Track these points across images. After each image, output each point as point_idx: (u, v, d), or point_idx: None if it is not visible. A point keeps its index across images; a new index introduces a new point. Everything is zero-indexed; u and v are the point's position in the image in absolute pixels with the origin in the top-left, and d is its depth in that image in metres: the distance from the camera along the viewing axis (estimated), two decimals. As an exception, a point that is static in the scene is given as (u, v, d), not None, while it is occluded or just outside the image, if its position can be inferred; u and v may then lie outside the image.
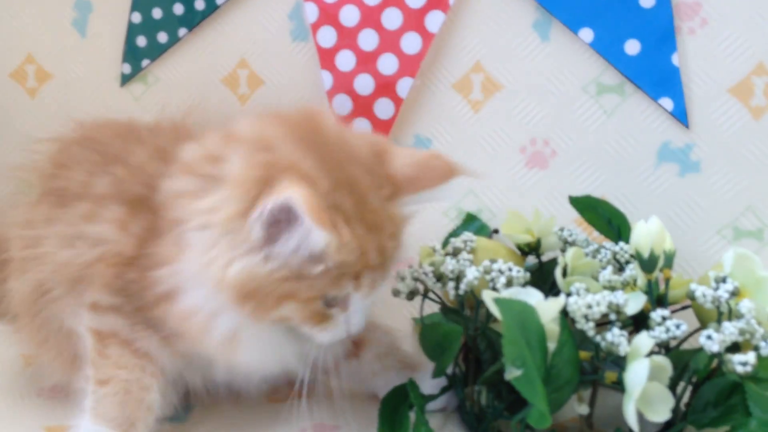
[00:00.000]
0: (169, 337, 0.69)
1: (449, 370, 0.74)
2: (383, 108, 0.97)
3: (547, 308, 0.63)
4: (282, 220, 0.59)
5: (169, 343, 0.70)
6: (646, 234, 0.69)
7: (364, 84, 0.97)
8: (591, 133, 0.91)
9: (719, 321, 0.63)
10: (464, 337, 0.72)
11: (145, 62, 1.08)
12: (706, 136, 0.87)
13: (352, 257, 0.61)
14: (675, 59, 0.87)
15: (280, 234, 0.59)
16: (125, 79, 1.10)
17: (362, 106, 0.98)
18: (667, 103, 0.87)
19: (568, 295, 0.64)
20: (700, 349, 0.62)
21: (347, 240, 0.60)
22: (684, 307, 0.74)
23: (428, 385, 0.75)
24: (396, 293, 0.74)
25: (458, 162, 0.68)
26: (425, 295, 0.77)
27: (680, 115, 0.87)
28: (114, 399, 0.70)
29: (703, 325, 0.69)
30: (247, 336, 0.66)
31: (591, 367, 0.64)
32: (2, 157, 1.16)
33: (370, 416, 0.75)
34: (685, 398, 0.66)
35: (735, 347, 0.62)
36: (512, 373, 0.60)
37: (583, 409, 0.65)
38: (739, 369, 0.59)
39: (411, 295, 0.76)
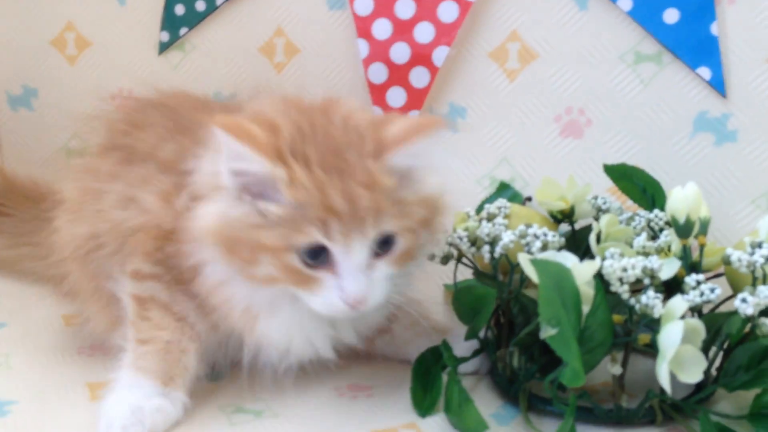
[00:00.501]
0: (204, 308, 0.71)
1: (481, 333, 0.75)
2: (419, 76, 0.98)
3: (582, 271, 0.64)
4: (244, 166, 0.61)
5: (205, 313, 0.72)
6: (682, 199, 0.69)
7: (400, 52, 0.98)
8: (627, 103, 0.91)
9: (754, 285, 0.63)
10: (497, 301, 0.73)
11: (183, 30, 1.09)
12: (743, 105, 0.87)
13: (311, 198, 0.61)
14: (714, 28, 0.86)
15: (245, 178, 0.62)
16: (163, 47, 1.11)
17: (398, 75, 0.98)
18: (705, 72, 0.87)
19: (603, 259, 0.65)
20: (734, 313, 0.63)
21: (300, 177, 0.60)
22: (717, 275, 0.74)
23: (460, 347, 0.76)
24: (431, 257, 0.75)
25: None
26: (459, 260, 0.78)
27: (718, 85, 0.87)
28: (155, 355, 0.72)
29: (736, 292, 0.69)
30: (267, 311, 0.68)
31: (623, 330, 0.65)
32: (43, 124, 1.19)
33: (404, 377, 0.76)
34: (716, 363, 0.66)
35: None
36: (547, 332, 0.61)
37: (617, 370, 0.66)
38: (773, 331, 0.59)
39: (445, 259, 0.76)
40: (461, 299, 0.74)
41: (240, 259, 0.64)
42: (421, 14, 0.96)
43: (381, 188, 0.62)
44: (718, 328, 0.65)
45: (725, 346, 0.66)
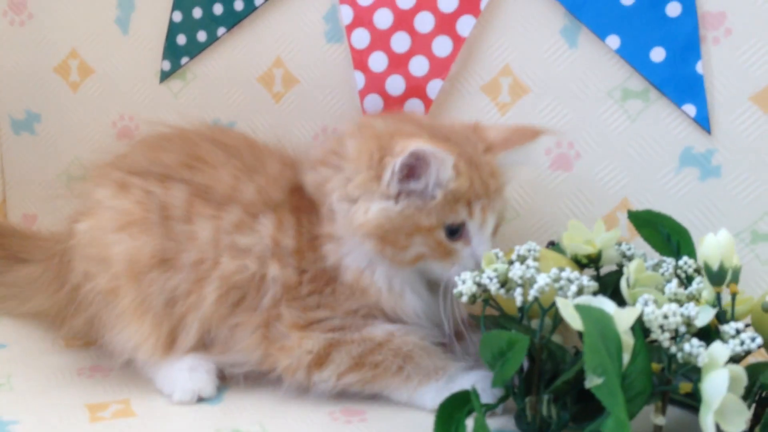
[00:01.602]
0: (366, 314, 0.81)
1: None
2: (413, 108, 1.00)
3: (623, 317, 0.63)
4: (412, 170, 0.75)
5: (371, 317, 0.81)
6: (715, 247, 0.70)
7: (396, 85, 1.01)
8: (615, 137, 0.94)
9: None
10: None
11: (184, 60, 1.12)
12: (727, 142, 0.90)
13: (464, 185, 0.76)
14: (699, 67, 0.89)
15: (413, 181, 0.75)
16: (164, 76, 1.14)
17: (393, 106, 1.01)
18: (690, 109, 0.90)
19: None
20: None
21: (461, 167, 0.76)
22: (745, 325, 0.72)
23: (487, 394, 0.75)
24: (459, 295, 0.73)
25: (541, 128, 0.85)
26: (486, 302, 0.75)
27: (703, 121, 0.90)
28: (423, 359, 0.79)
29: (766, 341, 0.70)
30: (402, 284, 0.80)
31: (660, 378, 0.64)
32: (45, 148, 1.21)
33: (397, 403, 0.79)
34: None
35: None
36: (593, 381, 0.60)
37: (660, 420, 0.65)
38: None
39: (473, 298, 0.73)
40: (489, 344, 0.71)
41: (393, 246, 0.77)
42: (416, 48, 0.99)
43: (499, 176, 0.80)
44: (755, 378, 0.65)
45: (759, 396, 0.66)
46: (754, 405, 0.66)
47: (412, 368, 0.78)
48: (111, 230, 0.82)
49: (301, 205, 0.83)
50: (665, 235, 0.83)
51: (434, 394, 0.77)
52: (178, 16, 1.11)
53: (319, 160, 0.83)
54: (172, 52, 1.12)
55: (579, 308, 0.62)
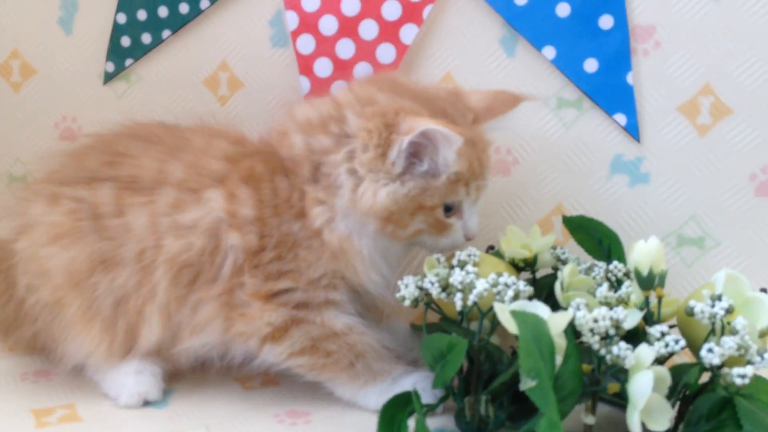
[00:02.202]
0: (327, 283, 0.81)
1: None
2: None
3: (556, 322, 0.66)
4: (418, 148, 0.76)
5: (332, 287, 0.81)
6: (645, 253, 0.73)
7: (340, 90, 1.03)
8: (551, 144, 0.98)
9: (714, 336, 0.68)
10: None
11: (128, 61, 1.12)
12: (655, 150, 0.94)
13: (464, 166, 0.77)
14: (629, 78, 0.93)
15: (418, 160, 0.76)
16: (108, 77, 1.13)
17: (337, 111, 1.03)
18: (621, 118, 0.94)
19: (566, 310, 0.67)
20: (694, 364, 0.67)
21: (463, 149, 0.76)
22: (670, 326, 0.76)
23: (427, 394, 0.78)
24: (402, 299, 0.77)
25: (520, 93, 0.85)
26: (428, 305, 0.79)
27: (632, 130, 0.94)
28: (373, 359, 0.81)
29: (689, 342, 0.74)
30: (381, 254, 0.82)
31: (590, 379, 0.67)
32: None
33: (344, 405, 0.81)
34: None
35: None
36: (527, 384, 0.62)
37: (590, 419, 0.68)
38: (738, 381, 0.63)
39: (415, 302, 0.77)
40: (430, 346, 0.74)
41: (395, 224, 0.78)
42: (361, 55, 1.01)
43: (489, 148, 0.82)
44: (678, 378, 0.68)
45: (683, 395, 0.70)
46: (678, 404, 0.70)
47: (361, 367, 0.80)
48: (45, 244, 0.82)
49: (255, 173, 0.82)
50: (597, 239, 0.87)
51: (378, 396, 0.79)
52: (122, 18, 1.11)
53: (315, 125, 0.81)
54: (117, 53, 1.12)
55: (514, 314, 0.65)
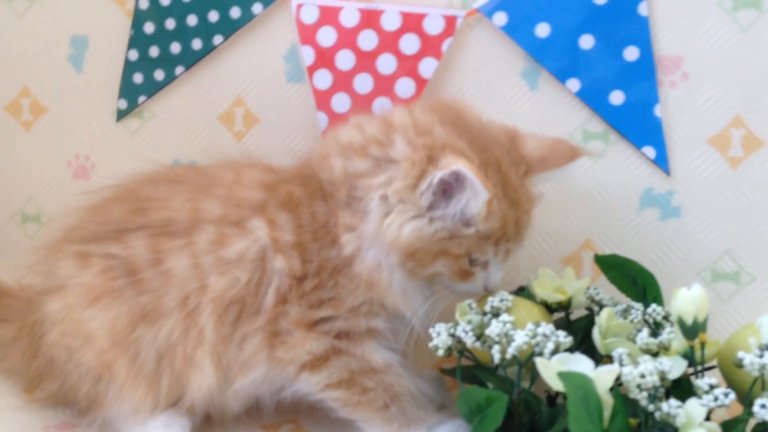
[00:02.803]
0: (368, 310, 0.79)
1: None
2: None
3: (602, 379, 0.64)
4: (448, 188, 0.73)
5: (373, 314, 0.79)
6: (690, 301, 0.71)
7: (359, 126, 1.01)
8: (577, 178, 0.95)
9: (765, 391, 0.66)
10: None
11: (141, 98, 1.10)
12: (686, 183, 0.92)
13: (497, 225, 0.74)
14: (657, 110, 0.91)
15: (445, 200, 0.73)
16: (121, 115, 1.12)
17: (357, 147, 1.01)
18: (650, 151, 0.92)
19: (609, 357, 0.67)
20: (741, 418, 0.65)
21: (495, 209, 0.73)
22: (710, 368, 0.76)
23: None
24: (435, 348, 0.74)
25: (579, 146, 0.81)
26: (461, 353, 0.76)
27: (662, 163, 0.92)
28: (411, 403, 0.79)
29: (730, 384, 0.72)
30: (413, 287, 0.79)
31: None
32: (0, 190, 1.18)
33: None
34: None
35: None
36: None
37: None
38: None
39: (448, 351, 0.75)
40: (467, 398, 0.71)
41: (416, 262, 0.76)
42: (380, 90, 1.00)
43: (533, 205, 0.79)
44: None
45: None
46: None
47: (396, 410, 0.78)
48: (83, 307, 0.80)
49: (294, 197, 0.80)
50: (631, 278, 0.85)
51: None
52: (134, 55, 1.09)
53: (356, 148, 0.78)
54: (129, 90, 1.11)
55: (562, 376, 0.63)
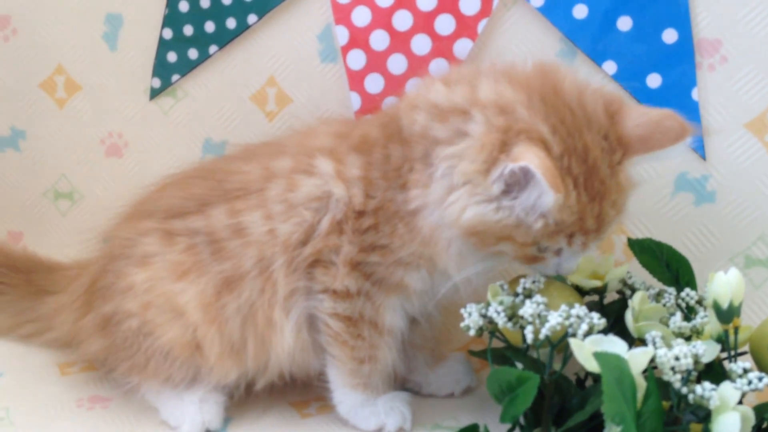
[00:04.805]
0: (412, 262, 0.78)
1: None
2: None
3: (636, 360, 0.64)
4: (519, 180, 0.68)
5: (415, 267, 0.78)
6: (726, 285, 0.71)
7: (392, 106, 1.01)
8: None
9: None
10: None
11: (174, 77, 1.11)
12: (721, 168, 0.91)
13: (571, 219, 0.69)
14: (695, 94, 0.91)
15: (514, 190, 0.69)
16: (154, 93, 1.12)
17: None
18: (686, 135, 0.91)
19: (641, 340, 0.67)
20: None
21: (571, 203, 0.69)
22: (742, 353, 0.75)
23: (395, 412, 0.82)
24: (466, 329, 0.74)
25: (689, 122, 0.72)
26: (493, 334, 0.76)
27: (698, 147, 0.91)
28: (375, 373, 0.82)
29: (763, 368, 0.72)
30: (470, 254, 0.76)
31: (669, 417, 0.65)
32: (31, 165, 1.19)
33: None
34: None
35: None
36: (612, 430, 0.61)
37: None
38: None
39: (480, 331, 0.75)
40: (498, 378, 0.71)
41: (479, 241, 0.73)
42: (413, 70, 0.99)
43: (624, 200, 0.73)
44: (760, 417, 0.66)
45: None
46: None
47: (367, 370, 0.81)
48: (170, 281, 0.82)
49: (369, 138, 0.80)
50: (664, 262, 0.84)
51: (351, 403, 0.82)
52: (168, 33, 1.10)
53: (439, 111, 0.74)
54: (163, 69, 1.11)
55: (597, 357, 0.63)
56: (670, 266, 0.84)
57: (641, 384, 0.64)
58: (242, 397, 0.86)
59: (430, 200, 0.75)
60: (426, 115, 0.75)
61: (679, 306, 0.79)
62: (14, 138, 1.20)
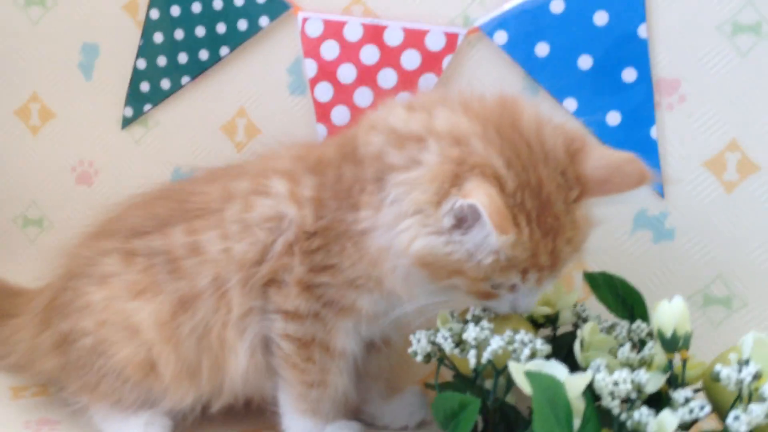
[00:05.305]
0: (364, 285, 0.77)
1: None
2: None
3: (574, 384, 0.64)
4: (467, 216, 0.67)
5: (367, 290, 0.77)
6: (670, 314, 0.70)
7: (357, 139, 1.01)
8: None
9: (740, 402, 0.65)
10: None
11: (147, 107, 1.12)
12: (680, 206, 0.92)
13: (524, 255, 0.68)
14: (653, 132, 0.91)
15: (464, 226, 0.67)
16: (126, 122, 1.13)
17: (354, 160, 1.02)
18: (645, 172, 0.92)
19: (585, 369, 0.65)
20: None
21: (523, 240, 0.67)
22: (696, 390, 0.73)
23: None
24: (414, 354, 0.74)
25: (649, 169, 0.71)
26: (441, 361, 0.76)
27: (657, 185, 0.92)
28: (325, 399, 0.81)
29: (716, 407, 0.71)
30: (417, 281, 0.73)
31: None
32: (2, 191, 1.19)
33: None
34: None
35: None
36: None
37: None
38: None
39: (427, 357, 0.75)
40: (442, 404, 0.71)
41: (431, 273, 0.71)
42: (379, 103, 1.00)
43: (581, 238, 0.71)
44: None
45: None
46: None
47: (315, 395, 0.80)
48: (127, 299, 0.82)
49: (324, 159, 0.80)
50: (620, 297, 0.84)
51: (299, 429, 0.81)
52: (142, 64, 1.11)
53: (396, 136, 0.73)
54: (135, 98, 1.12)
55: (529, 375, 0.63)
56: (625, 301, 0.83)
57: (579, 408, 0.64)
58: (197, 420, 0.85)
59: (379, 223, 0.73)
60: (383, 137, 0.74)
61: (631, 339, 0.78)
62: (-13, 163, 1.20)
